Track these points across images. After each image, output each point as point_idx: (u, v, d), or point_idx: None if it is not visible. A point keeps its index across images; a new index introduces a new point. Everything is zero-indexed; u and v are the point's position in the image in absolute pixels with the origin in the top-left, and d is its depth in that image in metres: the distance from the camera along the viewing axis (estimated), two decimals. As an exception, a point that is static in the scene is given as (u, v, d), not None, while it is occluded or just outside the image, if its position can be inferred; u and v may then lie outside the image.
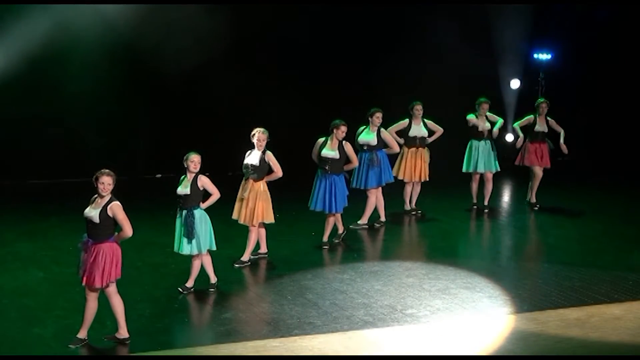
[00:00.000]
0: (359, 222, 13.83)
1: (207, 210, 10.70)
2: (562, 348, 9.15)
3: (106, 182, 8.92)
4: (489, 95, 16.32)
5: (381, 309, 10.39)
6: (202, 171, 10.65)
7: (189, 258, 10.78)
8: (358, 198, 13.56)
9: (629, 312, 10.32)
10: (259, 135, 11.79)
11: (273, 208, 11.95)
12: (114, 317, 9.17)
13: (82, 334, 9.04)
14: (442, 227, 14.26)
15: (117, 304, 9.11)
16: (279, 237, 12.85)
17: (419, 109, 14.57)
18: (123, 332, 9.17)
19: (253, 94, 18.16)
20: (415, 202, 15.00)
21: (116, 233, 8.99)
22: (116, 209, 8.92)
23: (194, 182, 10.58)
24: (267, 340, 9.26)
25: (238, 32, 17.85)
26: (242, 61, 17.99)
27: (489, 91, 20.00)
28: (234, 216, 11.96)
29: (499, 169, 15.18)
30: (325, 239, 12.86)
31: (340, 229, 12.98)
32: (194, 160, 10.59)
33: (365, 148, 13.65)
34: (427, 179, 14.70)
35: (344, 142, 12.55)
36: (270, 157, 11.84)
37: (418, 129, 14.55)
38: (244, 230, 12.02)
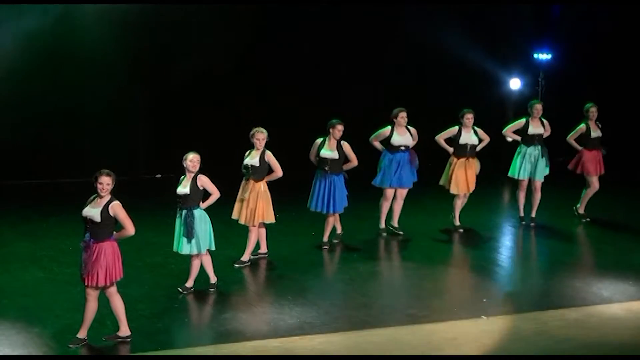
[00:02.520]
0: (392, 223, 13.60)
1: (206, 210, 10.70)
2: (562, 348, 9.15)
3: (105, 182, 8.92)
4: (489, 95, 16.40)
5: (381, 309, 10.40)
6: (202, 171, 10.65)
7: (189, 258, 10.77)
8: (360, 198, 13.48)
9: (629, 313, 10.33)
10: (257, 135, 11.77)
11: (273, 208, 11.95)
12: (114, 317, 9.17)
13: (82, 334, 9.04)
14: (442, 227, 14.20)
15: (118, 304, 9.12)
16: (279, 237, 12.84)
17: (469, 117, 13.68)
18: (125, 330, 9.18)
19: (252, 94, 18.17)
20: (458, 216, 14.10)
21: (115, 232, 9.00)
22: (117, 208, 8.94)
23: (194, 182, 10.57)
24: (267, 340, 9.27)
25: (238, 32, 17.85)
26: (242, 61, 17.99)
27: (488, 91, 20.17)
28: (234, 216, 11.95)
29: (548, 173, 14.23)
30: (325, 239, 12.85)
31: (339, 229, 12.98)
32: (193, 160, 10.58)
33: (402, 148, 13.17)
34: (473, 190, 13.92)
35: (342, 141, 12.50)
36: (270, 156, 11.83)
37: (469, 137, 13.70)
38: (244, 230, 12.02)
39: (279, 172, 11.87)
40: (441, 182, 13.86)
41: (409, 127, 13.26)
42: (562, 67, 20.24)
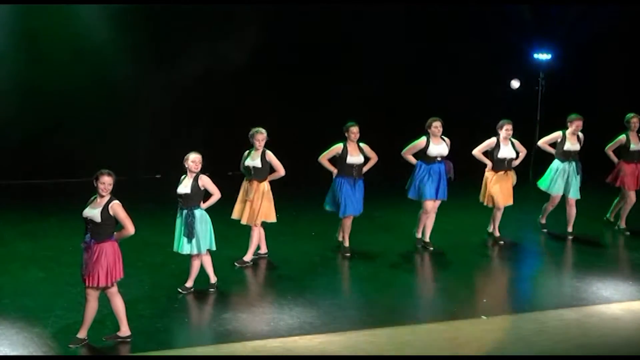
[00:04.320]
0: (418, 235, 13.11)
1: (207, 210, 10.70)
2: (562, 348, 9.16)
3: (106, 182, 8.94)
4: (488, 95, 16.35)
5: (381, 309, 10.40)
6: (202, 171, 10.66)
7: (189, 258, 10.77)
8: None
9: (629, 313, 10.34)
10: (257, 135, 11.76)
11: (275, 208, 11.95)
12: (114, 317, 9.18)
13: (82, 334, 9.04)
14: (441, 227, 14.18)
15: (119, 304, 9.12)
16: (279, 237, 12.85)
17: (509, 129, 13.00)
18: (125, 330, 9.18)
19: (254, 94, 18.18)
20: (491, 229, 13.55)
21: (116, 232, 9.01)
22: (117, 208, 8.94)
23: (195, 182, 10.57)
24: (267, 340, 9.27)
25: (239, 32, 17.87)
26: (243, 61, 18.00)
27: (488, 91, 20.17)
28: (235, 216, 11.94)
29: (578, 197, 13.50)
30: (347, 244, 12.69)
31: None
32: (195, 160, 10.58)
33: (439, 159, 12.66)
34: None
35: (361, 144, 12.32)
36: (270, 156, 11.82)
37: (508, 150, 13.01)
38: (244, 231, 12.03)
39: (281, 171, 11.85)
40: (481, 199, 13.29)
41: (443, 136, 12.76)
42: (562, 67, 20.25)
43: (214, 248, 10.78)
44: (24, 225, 14.05)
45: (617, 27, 19.47)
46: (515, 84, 20.63)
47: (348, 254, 12.54)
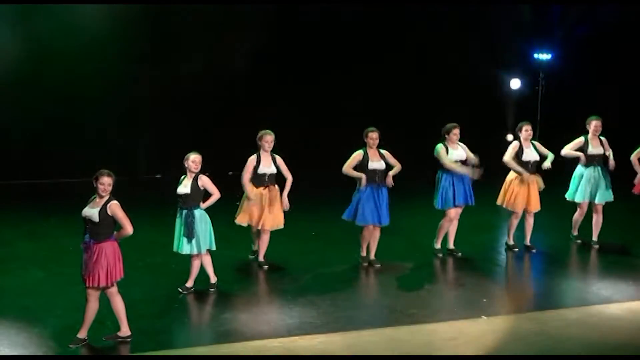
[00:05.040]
0: (437, 246, 12.78)
1: (208, 210, 10.70)
2: (562, 348, 9.15)
3: (106, 182, 8.94)
4: (484, 95, 16.32)
5: (381, 309, 10.41)
6: (202, 171, 10.65)
7: (189, 258, 10.78)
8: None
9: (629, 313, 10.33)
10: (266, 137, 11.61)
11: None
12: (115, 317, 9.18)
13: (82, 334, 9.04)
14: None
15: (119, 304, 9.12)
16: (279, 237, 12.82)
17: (528, 129, 12.71)
18: (125, 330, 9.18)
19: (254, 95, 18.21)
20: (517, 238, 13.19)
21: (115, 232, 9.01)
22: (115, 208, 8.94)
23: (195, 182, 10.57)
24: (267, 340, 9.26)
25: (238, 33, 17.89)
26: (241, 62, 18.03)
27: (486, 92, 20.18)
28: (249, 223, 11.70)
29: (611, 199, 13.11)
30: (364, 253, 12.25)
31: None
32: (195, 160, 10.59)
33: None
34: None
35: (382, 150, 11.97)
36: (280, 161, 11.68)
37: (530, 153, 12.68)
38: (244, 231, 12.02)
39: (290, 176, 11.71)
40: (499, 202, 12.93)
41: (459, 142, 12.49)
42: (562, 67, 20.27)
43: (214, 248, 10.78)
44: (24, 225, 14.06)
45: (618, 26, 19.48)
46: (515, 84, 20.66)
47: (378, 265, 12.10)
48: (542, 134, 19.20)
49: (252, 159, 11.61)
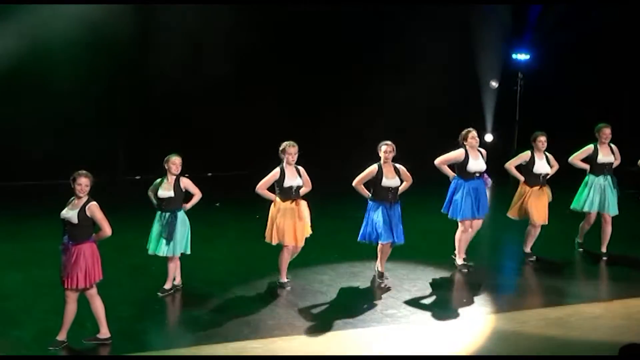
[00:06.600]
0: (457, 259, 12.13)
1: (189, 211, 10.67)
2: (543, 347, 9.18)
3: (83, 183, 8.90)
4: (466, 96, 16.31)
5: (361, 309, 10.40)
6: (182, 173, 10.65)
7: (166, 260, 10.73)
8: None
9: (608, 312, 10.39)
10: (290, 149, 10.92)
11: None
12: (94, 319, 9.14)
13: (62, 336, 8.99)
14: (422, 227, 14.14)
15: (98, 306, 9.09)
16: (258, 239, 12.79)
17: (543, 140, 12.18)
18: (105, 332, 9.15)
19: (236, 95, 18.20)
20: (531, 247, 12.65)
21: (94, 233, 8.97)
22: (94, 209, 8.90)
23: (177, 184, 10.55)
24: (247, 342, 9.25)
25: (230, 34, 17.88)
26: (225, 62, 18.00)
27: (468, 92, 20.25)
28: (294, 242, 10.98)
29: (617, 212, 12.62)
30: (382, 269, 11.56)
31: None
32: (176, 163, 10.56)
33: (477, 175, 11.78)
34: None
35: (397, 165, 11.23)
36: (303, 171, 11.08)
37: (543, 165, 12.18)
38: (228, 232, 11.99)
39: (309, 186, 11.15)
40: (510, 214, 12.52)
41: (480, 149, 11.94)
42: (541, 68, 20.34)
43: (188, 252, 10.74)
44: (2, 227, 13.97)
45: (597, 27, 19.56)
46: (494, 84, 20.72)
47: (386, 279, 11.51)
48: (520, 135, 19.26)
49: (276, 173, 10.90)
